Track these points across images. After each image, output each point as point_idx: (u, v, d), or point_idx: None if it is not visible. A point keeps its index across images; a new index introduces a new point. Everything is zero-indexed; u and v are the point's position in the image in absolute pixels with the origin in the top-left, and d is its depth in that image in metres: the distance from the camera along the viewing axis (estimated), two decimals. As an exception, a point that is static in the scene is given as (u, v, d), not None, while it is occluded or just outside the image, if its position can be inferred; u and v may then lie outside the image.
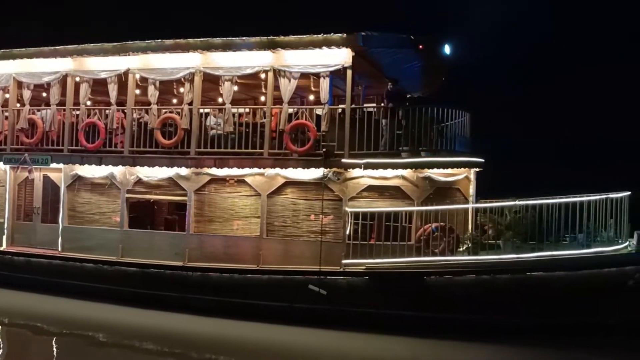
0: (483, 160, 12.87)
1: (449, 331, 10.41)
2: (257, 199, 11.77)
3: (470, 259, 10.81)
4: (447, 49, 12.52)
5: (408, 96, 15.54)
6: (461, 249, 11.28)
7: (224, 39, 11.68)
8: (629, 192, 11.44)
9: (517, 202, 11.03)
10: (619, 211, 10.99)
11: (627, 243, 11.04)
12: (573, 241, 10.91)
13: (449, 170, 11.76)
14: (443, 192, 11.74)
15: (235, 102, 14.91)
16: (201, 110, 12.47)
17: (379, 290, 10.74)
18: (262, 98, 14.00)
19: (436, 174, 11.52)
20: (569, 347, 9.99)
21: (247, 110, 13.13)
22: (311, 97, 14.86)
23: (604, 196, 10.81)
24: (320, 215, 11.30)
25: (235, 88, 13.73)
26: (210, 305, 11.44)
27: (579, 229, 10.94)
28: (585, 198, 10.84)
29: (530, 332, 10.35)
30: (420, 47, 11.59)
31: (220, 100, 13.28)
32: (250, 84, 13.66)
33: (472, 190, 12.38)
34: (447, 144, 11.87)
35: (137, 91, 13.21)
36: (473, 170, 12.45)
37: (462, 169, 12.00)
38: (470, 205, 11.76)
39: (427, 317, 10.55)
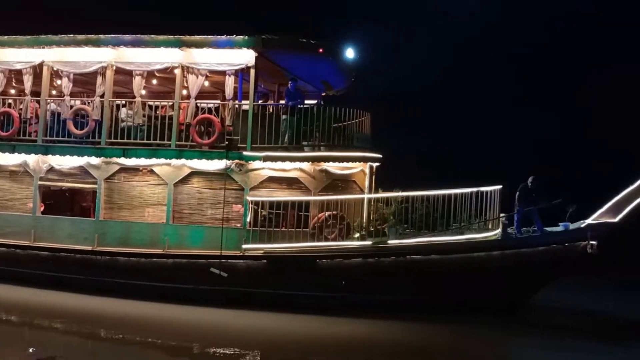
0: (380, 155, 14.06)
1: (339, 309, 11.48)
2: (164, 187, 12.52)
3: (357, 244, 11.96)
4: (349, 53, 13.53)
5: (323, 95, 16.80)
6: (357, 236, 12.38)
7: (134, 35, 12.32)
8: (500, 186, 12.90)
9: (400, 193, 12.21)
10: (491, 203, 12.39)
11: (498, 231, 12.42)
12: (459, 228, 12.15)
13: (346, 164, 12.80)
14: (339, 183, 12.80)
15: (156, 95, 15.58)
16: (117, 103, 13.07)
17: (276, 273, 11.71)
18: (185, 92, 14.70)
19: (333, 167, 12.56)
20: (449, 322, 11.24)
21: (161, 103, 13.71)
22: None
23: (474, 189, 12.15)
24: (223, 203, 12.15)
25: (155, 82, 14.43)
26: (118, 287, 12.10)
27: (459, 218, 12.33)
28: (459, 190, 12.17)
29: (413, 309, 11.50)
30: (320, 50, 12.56)
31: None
32: (168, 78, 14.32)
33: (367, 182, 13.46)
34: (344, 141, 12.95)
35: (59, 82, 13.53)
36: (369, 164, 13.53)
37: (358, 163, 13.05)
38: (359, 196, 12.80)
39: (320, 296, 11.62)
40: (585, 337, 11.07)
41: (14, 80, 14.37)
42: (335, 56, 13.25)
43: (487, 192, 12.18)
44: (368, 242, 11.91)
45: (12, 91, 15.45)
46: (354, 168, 13.05)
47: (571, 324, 11.92)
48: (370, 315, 11.42)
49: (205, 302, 11.75)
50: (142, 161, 12.50)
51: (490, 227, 12.40)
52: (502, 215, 12.65)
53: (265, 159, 11.98)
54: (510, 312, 11.86)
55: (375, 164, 14.32)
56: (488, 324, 11.32)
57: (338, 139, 12.95)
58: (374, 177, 14.48)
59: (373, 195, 12.83)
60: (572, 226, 12.28)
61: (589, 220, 11.90)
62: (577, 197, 12.79)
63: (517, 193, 12.50)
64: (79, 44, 12.62)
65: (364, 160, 13.17)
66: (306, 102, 15.58)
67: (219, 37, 11.95)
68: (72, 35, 12.60)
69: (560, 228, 12.37)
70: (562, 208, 12.59)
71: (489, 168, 16.60)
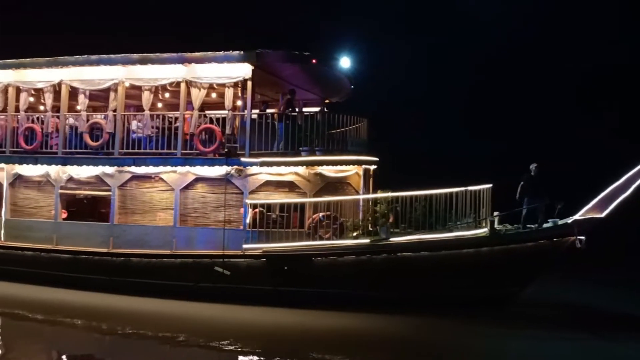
0: (376, 158, 14.78)
1: (335, 304, 12.12)
2: (171, 193, 13.53)
3: (351, 242, 12.66)
4: (344, 63, 14.32)
5: (326, 101, 17.61)
6: (354, 235, 13.08)
7: (141, 54, 13.41)
8: (491, 185, 13.41)
9: (390, 194, 12.87)
10: (481, 201, 12.92)
11: (487, 228, 12.91)
12: (451, 227, 12.59)
13: (340, 167, 13.57)
14: (334, 186, 13.54)
15: (171, 106, 16.62)
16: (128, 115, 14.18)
17: (274, 271, 12.50)
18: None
19: (327, 170, 13.34)
20: (440, 316, 11.78)
21: (167, 115, 14.76)
22: (239, 103, 16.61)
23: (463, 189, 12.71)
24: (224, 206, 13.06)
25: (167, 95, 15.50)
26: (132, 286, 13.08)
27: (449, 216, 12.88)
28: (447, 190, 12.72)
29: (405, 304, 12.06)
30: (314, 61, 13.38)
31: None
32: (177, 91, 15.36)
33: (362, 184, 14.15)
34: (338, 146, 13.72)
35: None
36: (364, 167, 14.23)
37: (352, 166, 13.79)
38: (351, 197, 13.50)
39: (316, 292, 12.32)
40: (573, 328, 11.39)
41: (39, 98, 15.68)
42: (329, 66, 14.07)
43: (477, 190, 12.75)
44: (364, 241, 12.61)
45: (42, 107, 16.80)
46: (349, 171, 13.78)
47: (560, 316, 12.33)
48: (364, 310, 12.00)
49: (210, 298, 12.55)
50: (151, 169, 13.55)
51: (483, 224, 12.87)
52: (496, 214, 13.16)
53: (262, 164, 12.85)
54: (501, 305, 12.25)
55: (372, 167, 15.06)
56: (479, 318, 11.77)
57: (333, 144, 13.76)
58: (370, 179, 15.21)
59: (363, 196, 13.52)
60: (561, 222, 12.70)
61: (576, 216, 12.32)
62: (564, 193, 13.18)
63: (521, 184, 12.86)
64: (92, 63, 13.80)
65: (358, 163, 13.88)
66: (308, 109, 16.57)
67: (217, 53, 12.92)
68: (86, 55, 13.79)
69: (549, 224, 12.80)
70: (551, 205, 12.99)
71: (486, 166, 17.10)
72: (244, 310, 12.25)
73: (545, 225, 12.76)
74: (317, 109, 16.76)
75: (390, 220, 13.40)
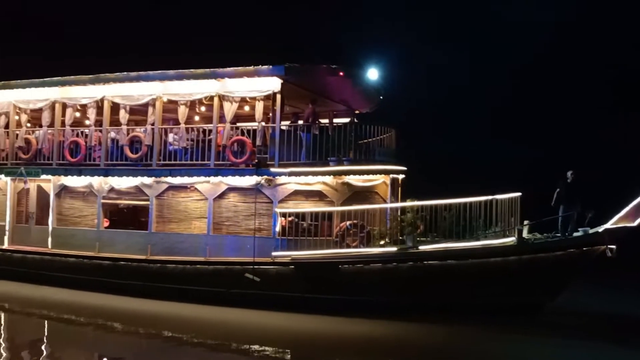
0: (404, 168, 14.99)
1: (360, 311, 12.33)
2: (205, 202, 14.10)
3: (378, 250, 12.89)
4: (371, 74, 14.60)
5: (357, 112, 17.95)
6: (382, 243, 13.31)
7: (177, 71, 14.11)
8: (519, 194, 13.41)
9: (415, 203, 13.04)
10: (510, 210, 12.95)
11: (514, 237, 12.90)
12: (480, 235, 12.64)
13: (367, 177, 13.85)
14: (362, 194, 13.82)
15: (208, 119, 17.29)
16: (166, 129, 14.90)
17: (303, 278, 12.84)
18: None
19: (354, 179, 13.64)
20: (469, 325, 11.82)
21: (201, 128, 15.39)
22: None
23: (491, 197, 12.77)
24: (254, 215, 13.53)
25: (203, 108, 16.18)
26: (168, 292, 13.66)
27: (476, 225, 12.96)
28: (475, 199, 12.81)
29: (429, 312, 12.18)
30: (341, 74, 13.76)
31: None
32: (211, 104, 16.02)
33: (389, 193, 14.36)
34: (366, 155, 14.02)
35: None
36: (391, 176, 14.44)
37: (379, 175, 14.05)
38: (377, 206, 13.70)
39: (343, 299, 12.60)
40: (604, 338, 11.26)
41: (83, 113, 16.64)
42: (357, 78, 14.41)
43: (505, 199, 12.79)
44: (390, 249, 12.82)
45: (87, 122, 17.78)
46: (376, 180, 14.03)
47: (588, 325, 12.23)
48: (390, 317, 12.16)
49: (241, 304, 12.99)
50: (186, 179, 14.19)
51: (512, 233, 12.83)
52: (526, 223, 13.17)
53: (290, 174, 13.28)
54: (531, 314, 12.22)
55: (400, 176, 15.26)
56: (505, 325, 11.75)
57: (360, 154, 14.06)
58: (399, 188, 15.41)
59: (389, 205, 13.73)
60: (592, 231, 12.58)
61: (608, 225, 12.20)
62: (594, 202, 13.03)
63: (557, 191, 12.81)
64: (132, 80, 14.62)
65: (385, 172, 14.12)
66: (338, 120, 16.95)
67: (247, 68, 13.48)
68: (126, 73, 14.62)
69: (579, 233, 12.70)
70: (582, 213, 12.88)
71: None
72: (274, 315, 12.58)
73: (575, 234, 12.69)
74: (347, 120, 17.14)
75: (420, 229, 13.58)
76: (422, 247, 12.74)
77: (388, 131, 14.87)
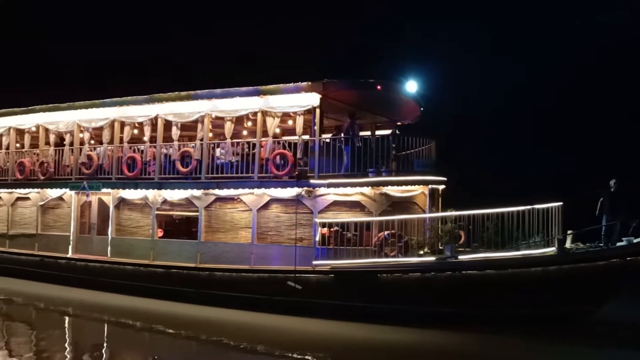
0: (444, 178, 15.16)
1: (400, 319, 12.52)
2: (249, 213, 14.81)
3: (415, 260, 13.11)
4: (410, 87, 14.90)
5: (398, 124, 18.26)
6: (421, 253, 13.54)
7: (223, 89, 14.99)
8: (561, 203, 13.32)
9: (453, 213, 13.20)
10: (551, 219, 12.90)
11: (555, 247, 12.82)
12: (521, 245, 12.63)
13: (406, 187, 14.13)
14: (400, 205, 14.10)
15: (251, 134, 18.13)
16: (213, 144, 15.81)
17: (342, 286, 13.22)
18: (276, 131, 16.92)
19: (392, 190, 13.97)
20: (502, 332, 11.87)
21: (245, 142, 16.14)
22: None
23: (531, 207, 12.75)
24: (295, 225, 14.08)
25: (250, 124, 17.00)
26: (216, 298, 14.40)
27: (516, 235, 12.97)
28: (516, 208, 12.82)
29: (470, 321, 12.22)
30: (379, 88, 14.18)
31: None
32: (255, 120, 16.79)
33: (428, 203, 14.57)
34: (404, 166, 14.33)
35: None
36: (429, 187, 14.64)
37: (417, 186, 14.29)
38: (414, 216, 13.89)
39: (381, 307, 12.88)
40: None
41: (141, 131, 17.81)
42: (395, 92, 14.77)
43: (546, 208, 12.75)
44: (429, 258, 13.02)
45: (145, 139, 18.95)
46: (414, 191, 14.27)
47: (633, 337, 11.99)
48: (430, 326, 12.27)
49: (284, 311, 13.49)
50: (232, 191, 14.96)
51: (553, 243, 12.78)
52: (569, 232, 13.07)
53: (329, 185, 13.77)
54: (575, 325, 12.15)
55: (440, 186, 15.44)
56: (544, 335, 11.74)
57: (399, 165, 14.38)
58: (439, 198, 15.58)
59: (426, 215, 13.93)
60: (636, 241, 12.35)
61: (653, 234, 11.96)
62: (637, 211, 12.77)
63: (600, 201, 12.66)
64: (182, 99, 15.62)
65: (423, 183, 14.34)
66: (380, 132, 17.33)
67: (288, 85, 14.15)
68: (176, 92, 15.65)
69: (623, 243, 12.48)
70: (626, 223, 12.66)
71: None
72: (315, 322, 12.96)
73: (619, 243, 12.48)
74: (389, 131, 17.50)
75: (462, 239, 13.73)
76: (461, 257, 12.86)
77: (428, 142, 15.14)
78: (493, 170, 24.03)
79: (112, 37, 36.88)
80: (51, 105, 18.32)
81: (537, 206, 12.79)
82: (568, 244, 12.91)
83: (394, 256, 13.28)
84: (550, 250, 12.70)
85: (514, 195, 13.62)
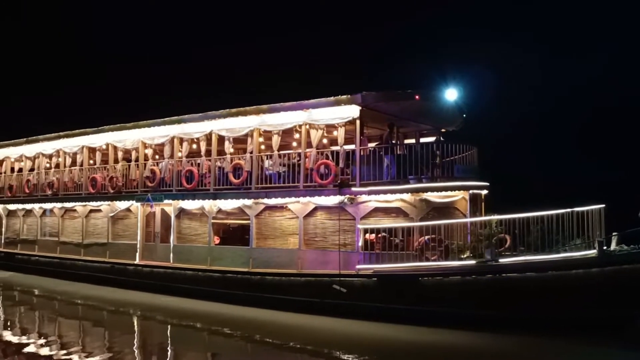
0: (486, 183, 15.41)
1: (440, 322, 12.90)
2: (296, 220, 15.67)
3: (456, 263, 13.45)
4: (450, 95, 15.29)
5: (443, 131, 18.62)
6: (464, 256, 13.86)
7: (269, 105, 16.02)
8: (603, 205, 13.28)
9: (494, 217, 13.44)
10: (593, 221, 12.91)
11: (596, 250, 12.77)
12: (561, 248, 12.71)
13: (446, 193, 14.51)
14: (441, 210, 14.49)
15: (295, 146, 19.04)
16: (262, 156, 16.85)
17: (385, 289, 13.77)
18: (324, 141, 17.77)
19: (432, 196, 14.39)
20: (544, 335, 11.97)
21: (290, 153, 17.08)
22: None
23: (574, 209, 12.81)
24: (339, 231, 14.79)
25: (297, 135, 17.89)
26: (267, 301, 15.33)
27: (557, 238, 13.03)
28: (558, 211, 12.88)
29: (510, 325, 12.34)
30: (417, 97, 14.68)
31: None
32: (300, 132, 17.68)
33: (468, 208, 14.83)
34: (445, 173, 14.73)
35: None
36: (470, 192, 14.91)
37: (458, 191, 14.64)
38: (454, 221, 14.17)
39: (423, 310, 13.30)
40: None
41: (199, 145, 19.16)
42: (434, 100, 15.21)
43: (588, 211, 12.79)
44: (469, 262, 13.33)
45: (201, 153, 20.20)
46: (455, 196, 14.62)
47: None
48: (471, 329, 12.49)
49: (330, 313, 14.16)
50: (280, 200, 15.90)
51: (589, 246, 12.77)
52: (614, 234, 13.02)
53: (370, 192, 14.40)
54: (621, 328, 12.09)
55: (483, 192, 15.68)
56: (595, 339, 11.62)
57: (441, 172, 14.80)
58: (482, 203, 15.82)
59: (465, 220, 14.20)
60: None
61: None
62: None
63: None
64: (233, 115, 16.78)
65: (464, 188, 14.66)
66: (424, 139, 17.78)
67: (329, 98, 14.95)
68: (227, 109, 16.83)
69: (669, 245, 12.31)
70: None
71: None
72: (359, 324, 13.47)
73: None
74: (433, 138, 17.92)
75: (508, 243, 13.91)
76: (502, 260, 13.08)
77: (470, 149, 15.46)
78: (540, 175, 23.73)
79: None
80: (118, 125, 20.07)
81: (577, 209, 12.83)
82: (612, 246, 12.85)
83: (434, 260, 13.67)
84: (592, 252, 12.68)
85: (562, 200, 13.63)
